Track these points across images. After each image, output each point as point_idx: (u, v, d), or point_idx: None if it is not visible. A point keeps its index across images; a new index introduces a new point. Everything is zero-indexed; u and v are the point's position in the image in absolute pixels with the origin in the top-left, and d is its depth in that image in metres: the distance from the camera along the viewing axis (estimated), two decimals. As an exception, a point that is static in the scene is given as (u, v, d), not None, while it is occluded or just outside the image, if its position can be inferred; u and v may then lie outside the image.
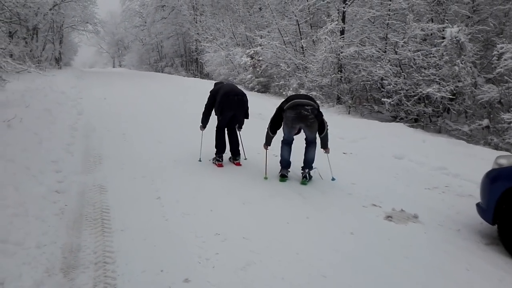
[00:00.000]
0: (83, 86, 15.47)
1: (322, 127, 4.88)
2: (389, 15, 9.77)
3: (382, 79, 9.49)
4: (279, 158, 5.15)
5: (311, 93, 12.76)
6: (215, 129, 5.64)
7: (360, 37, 10.27)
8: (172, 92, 15.73)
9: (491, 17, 8.92)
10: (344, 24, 11.07)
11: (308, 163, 4.99)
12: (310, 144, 5.02)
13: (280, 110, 4.97)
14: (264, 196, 4.37)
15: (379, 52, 9.63)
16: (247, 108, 5.68)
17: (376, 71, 9.25)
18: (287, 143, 5.08)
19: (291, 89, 13.90)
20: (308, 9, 14.61)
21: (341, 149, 6.71)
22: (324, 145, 5.03)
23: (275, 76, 15.70)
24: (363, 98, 10.83)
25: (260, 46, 16.18)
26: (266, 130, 5.16)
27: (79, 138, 6.66)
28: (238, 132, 5.82)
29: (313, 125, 4.82)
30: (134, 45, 45.88)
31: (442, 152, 6.13)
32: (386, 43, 9.74)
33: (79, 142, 6.37)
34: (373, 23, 10.51)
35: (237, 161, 5.72)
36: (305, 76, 12.56)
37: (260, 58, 16.24)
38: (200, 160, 5.67)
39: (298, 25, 14.66)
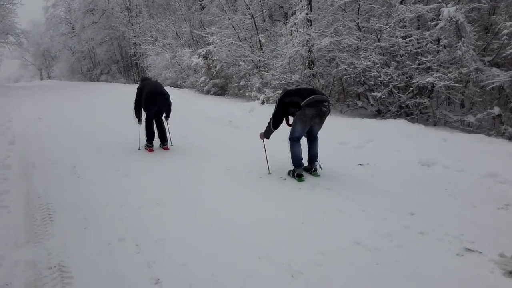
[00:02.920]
0: (10, 105, 13.18)
1: None
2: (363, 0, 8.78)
3: (365, 71, 8.48)
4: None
5: (277, 92, 11.63)
6: (144, 121, 6.60)
7: (334, 26, 9.19)
8: (114, 102, 13.92)
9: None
10: (311, 13, 9.96)
11: (315, 157, 4.98)
12: (315, 139, 4.99)
13: (284, 105, 4.76)
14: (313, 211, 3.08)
15: (359, 41, 8.60)
16: (170, 103, 6.68)
17: (360, 62, 8.21)
18: (298, 140, 4.84)
19: (254, 89, 12.65)
20: (261, 0, 13.41)
21: (353, 159, 5.55)
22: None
23: (233, 76, 14.32)
24: (343, 93, 9.78)
25: (212, 44, 14.73)
26: (268, 125, 4.97)
27: (14, 181, 4.93)
28: (165, 122, 6.79)
29: (324, 121, 4.82)
30: (62, 54, 42.19)
31: (475, 152, 5.14)
32: (368, 31, 8.73)
33: (15, 188, 4.65)
34: (344, 10, 9.48)
35: (165, 146, 6.71)
36: (271, 74, 11.32)
37: (215, 58, 14.78)
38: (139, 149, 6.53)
39: (253, 19, 13.40)
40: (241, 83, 13.61)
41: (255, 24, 13.49)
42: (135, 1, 26.48)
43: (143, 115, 6.62)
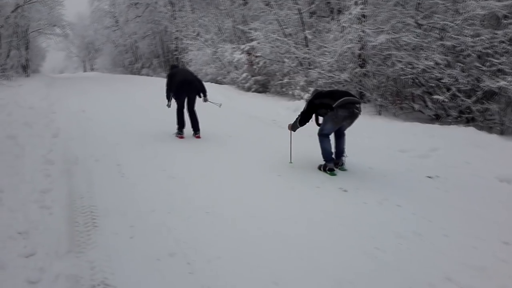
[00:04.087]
0: (55, 96, 13.29)
1: None
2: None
3: (424, 71, 7.83)
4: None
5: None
6: (176, 110, 7.06)
7: (391, 22, 8.55)
8: (158, 97, 13.75)
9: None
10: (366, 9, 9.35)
11: (342, 151, 5.12)
12: (343, 135, 5.15)
13: (314, 106, 5.02)
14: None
15: (419, 39, 7.93)
16: (202, 86, 7.10)
17: (420, 61, 7.56)
18: (327, 136, 5.03)
19: (298, 87, 12.17)
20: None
21: (418, 170, 4.99)
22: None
23: (277, 73, 13.85)
24: (397, 95, 9.11)
25: (256, 40, 14.32)
26: (296, 120, 5.23)
27: (57, 178, 4.69)
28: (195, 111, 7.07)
29: (354, 121, 4.96)
30: (106, 47, 43.04)
31: None
32: (429, 28, 8.06)
33: (57, 186, 4.40)
34: (403, 6, 8.82)
35: (197, 135, 7.09)
36: (319, 72, 10.79)
37: (258, 54, 14.36)
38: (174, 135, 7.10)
39: (301, 14, 12.87)
40: (284, 81, 13.14)
41: (301, 19, 12.97)
42: (179, -5, 26.48)
43: (174, 104, 7.10)
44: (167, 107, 7.23)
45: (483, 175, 4.67)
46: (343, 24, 9.61)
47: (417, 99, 8.90)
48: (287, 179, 4.74)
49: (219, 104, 7.73)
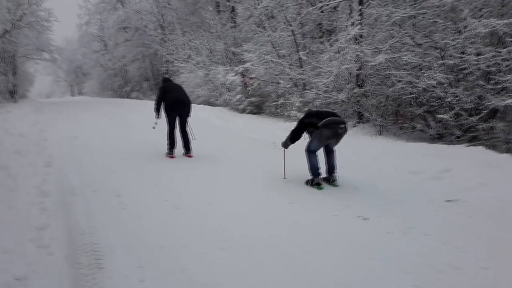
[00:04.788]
0: (45, 122, 12.90)
1: None
2: (426, 13, 8.08)
3: (425, 90, 7.73)
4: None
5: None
6: (167, 131, 7.12)
7: (389, 42, 8.49)
8: (149, 121, 13.47)
9: None
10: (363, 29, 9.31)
11: (333, 167, 5.35)
12: (332, 152, 5.40)
13: (304, 125, 5.38)
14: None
15: (419, 58, 7.86)
16: (190, 108, 7.16)
17: (422, 81, 7.47)
18: (314, 153, 5.27)
19: (294, 108, 12.03)
20: (303, 15, 12.85)
21: (435, 193, 4.78)
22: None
23: (271, 94, 13.72)
24: (399, 114, 8.99)
25: (249, 62, 14.24)
26: (286, 138, 5.59)
27: (54, 212, 4.34)
28: (188, 129, 7.19)
29: (340, 140, 5.27)
30: (94, 71, 42.83)
31: None
32: (429, 47, 8.00)
33: (55, 221, 4.07)
34: (399, 25, 8.79)
35: (189, 154, 7.14)
36: (316, 92, 10.67)
37: (253, 76, 14.25)
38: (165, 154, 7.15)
39: (294, 35, 12.84)
40: (279, 102, 13.01)
41: (295, 41, 12.94)
42: (169, 19, 26.52)
43: (164, 125, 7.20)
44: (153, 125, 7.26)
45: (505, 198, 4.48)
46: (340, 45, 9.54)
47: (417, 118, 8.79)
48: (301, 206, 4.49)
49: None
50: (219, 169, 6.33)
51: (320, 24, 14.28)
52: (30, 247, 3.42)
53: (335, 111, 10.72)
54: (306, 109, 11.40)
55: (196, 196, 4.93)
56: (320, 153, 5.39)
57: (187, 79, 20.07)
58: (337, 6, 12.48)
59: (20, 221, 3.93)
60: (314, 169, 5.24)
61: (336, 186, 5.22)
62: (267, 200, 4.75)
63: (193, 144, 7.25)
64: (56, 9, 23.53)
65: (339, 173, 5.41)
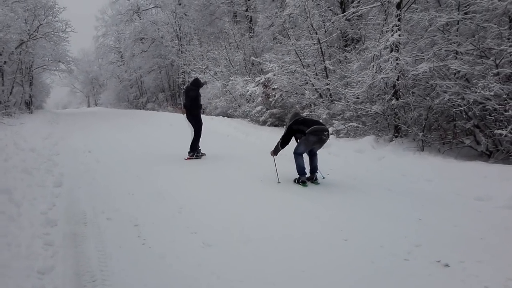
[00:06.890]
0: (58, 134, 12.40)
1: None
2: (474, 17, 7.27)
3: (476, 102, 6.89)
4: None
5: (349, 124, 10.30)
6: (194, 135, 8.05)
7: (433, 49, 7.67)
8: (167, 133, 12.85)
9: None
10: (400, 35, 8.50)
11: (316, 168, 5.96)
12: (315, 154, 6.01)
13: (292, 130, 5.98)
14: None
15: (468, 65, 7.03)
16: (189, 112, 8.20)
17: (475, 92, 6.63)
18: (300, 155, 5.85)
19: (320, 119, 11.23)
20: (330, 23, 12.14)
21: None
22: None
23: (295, 106, 12.96)
24: (443, 129, 8.08)
25: (271, 72, 13.55)
26: (277, 144, 6.11)
27: (60, 247, 3.62)
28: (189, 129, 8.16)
29: (324, 145, 5.95)
30: (110, 82, 42.91)
31: None
32: (477, 55, 7.17)
33: (60, 261, 3.35)
34: (443, 31, 7.98)
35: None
36: (346, 104, 9.89)
37: (275, 86, 13.53)
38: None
39: (320, 43, 12.11)
40: (304, 114, 12.23)
41: (321, 49, 12.20)
42: (186, 30, 26.12)
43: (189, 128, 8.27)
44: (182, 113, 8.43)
45: None
46: (375, 53, 8.74)
47: (462, 133, 7.90)
48: (357, 244, 3.68)
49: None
50: (250, 194, 5.53)
51: (345, 32, 13.59)
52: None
53: (367, 123, 10.05)
54: (336, 122, 10.71)
55: (227, 228, 4.15)
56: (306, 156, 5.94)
57: (204, 90, 19.45)
58: (362, 14, 11.75)
59: (19, 263, 3.21)
60: (300, 169, 5.81)
61: (317, 184, 5.83)
62: (311, 237, 3.95)
63: (219, 162, 6.57)
64: (73, 21, 23.41)
65: (393, 196, 4.60)
